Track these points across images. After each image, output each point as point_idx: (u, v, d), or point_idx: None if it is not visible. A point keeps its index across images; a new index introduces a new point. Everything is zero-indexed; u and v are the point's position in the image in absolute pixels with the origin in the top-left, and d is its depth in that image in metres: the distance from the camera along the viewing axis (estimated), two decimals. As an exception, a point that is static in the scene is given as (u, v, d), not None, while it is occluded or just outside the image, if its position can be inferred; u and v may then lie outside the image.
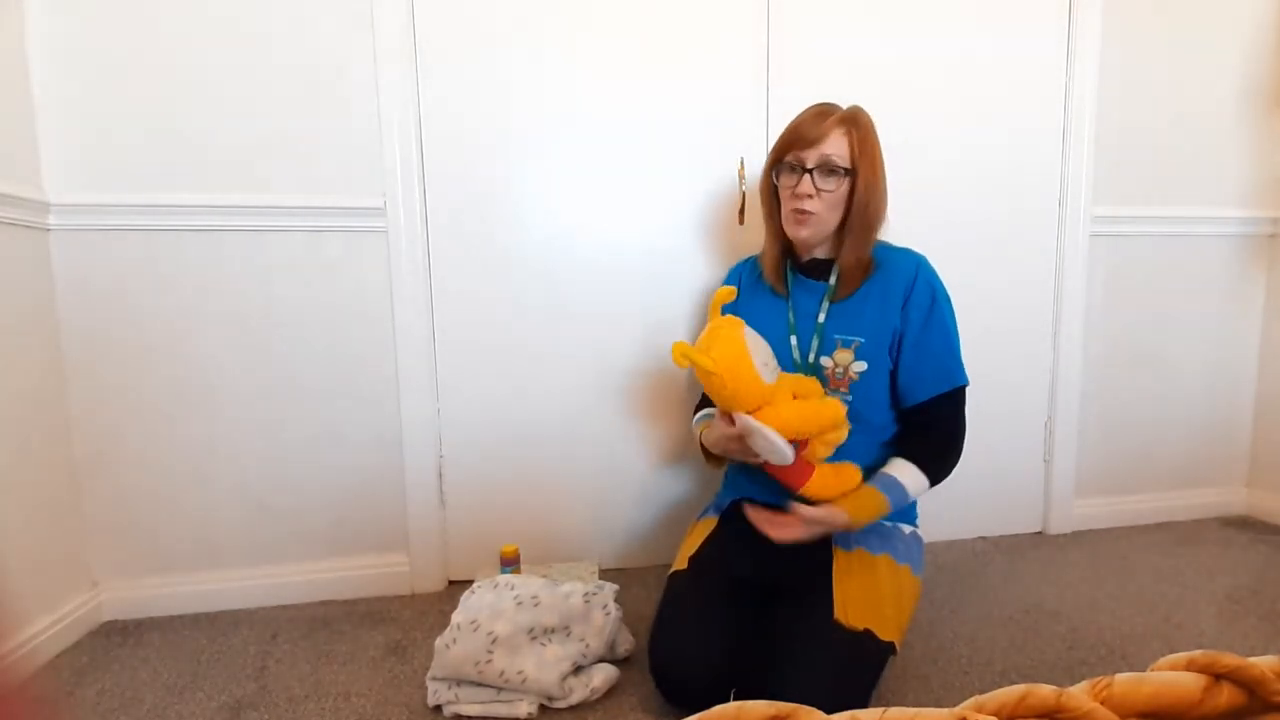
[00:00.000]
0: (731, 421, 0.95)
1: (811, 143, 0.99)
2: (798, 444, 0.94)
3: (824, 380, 1.03)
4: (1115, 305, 1.65)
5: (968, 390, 1.04)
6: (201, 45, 1.22)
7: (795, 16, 1.40)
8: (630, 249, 1.41)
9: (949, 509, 1.57)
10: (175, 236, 1.25)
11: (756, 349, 0.95)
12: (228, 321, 1.28)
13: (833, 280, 1.05)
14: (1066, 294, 1.60)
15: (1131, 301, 1.66)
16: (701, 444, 1.12)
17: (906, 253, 1.07)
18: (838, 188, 0.99)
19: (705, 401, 1.18)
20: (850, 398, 1.02)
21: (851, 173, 0.99)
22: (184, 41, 1.21)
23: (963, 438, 1.04)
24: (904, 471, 1.00)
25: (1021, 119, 1.53)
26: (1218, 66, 1.62)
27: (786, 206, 1.04)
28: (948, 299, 1.05)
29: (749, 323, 1.06)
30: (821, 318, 1.05)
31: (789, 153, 1.02)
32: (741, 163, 1.41)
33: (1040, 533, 1.67)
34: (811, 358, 1.04)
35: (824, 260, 1.07)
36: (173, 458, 1.29)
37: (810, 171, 0.99)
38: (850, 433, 1.01)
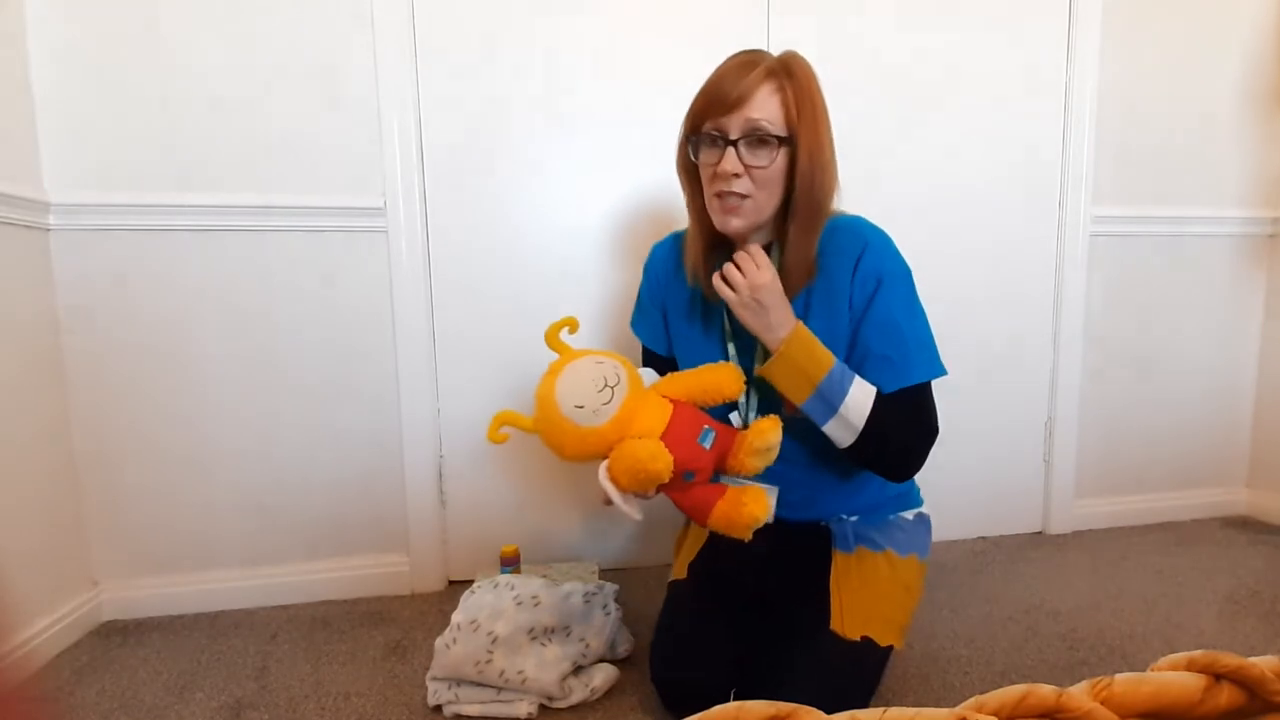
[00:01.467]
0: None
1: (733, 105, 0.77)
2: (691, 474, 0.79)
3: (778, 400, 0.86)
4: (1115, 305, 1.65)
5: (939, 382, 0.86)
6: (201, 45, 1.22)
7: (795, 16, 1.40)
8: (630, 248, 1.41)
9: (949, 509, 1.56)
10: (175, 236, 1.25)
11: (573, 393, 0.78)
12: (227, 321, 1.28)
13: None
14: (1066, 294, 1.60)
15: (1131, 301, 1.66)
16: None
17: (851, 231, 0.86)
18: (771, 161, 0.78)
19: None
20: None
21: (789, 140, 0.79)
22: (184, 41, 1.21)
23: (928, 433, 0.85)
24: (859, 385, 0.81)
25: (1021, 119, 1.53)
26: (1218, 66, 1.62)
27: (709, 189, 0.83)
28: (899, 277, 0.85)
29: (681, 336, 0.92)
30: None
31: (707, 120, 0.80)
32: (741, 163, 1.41)
33: (1040, 533, 1.67)
34: (757, 367, 0.87)
35: (762, 248, 0.86)
36: (173, 458, 1.29)
37: (735, 143, 0.78)
38: (815, 451, 0.89)
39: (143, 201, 1.22)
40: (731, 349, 0.91)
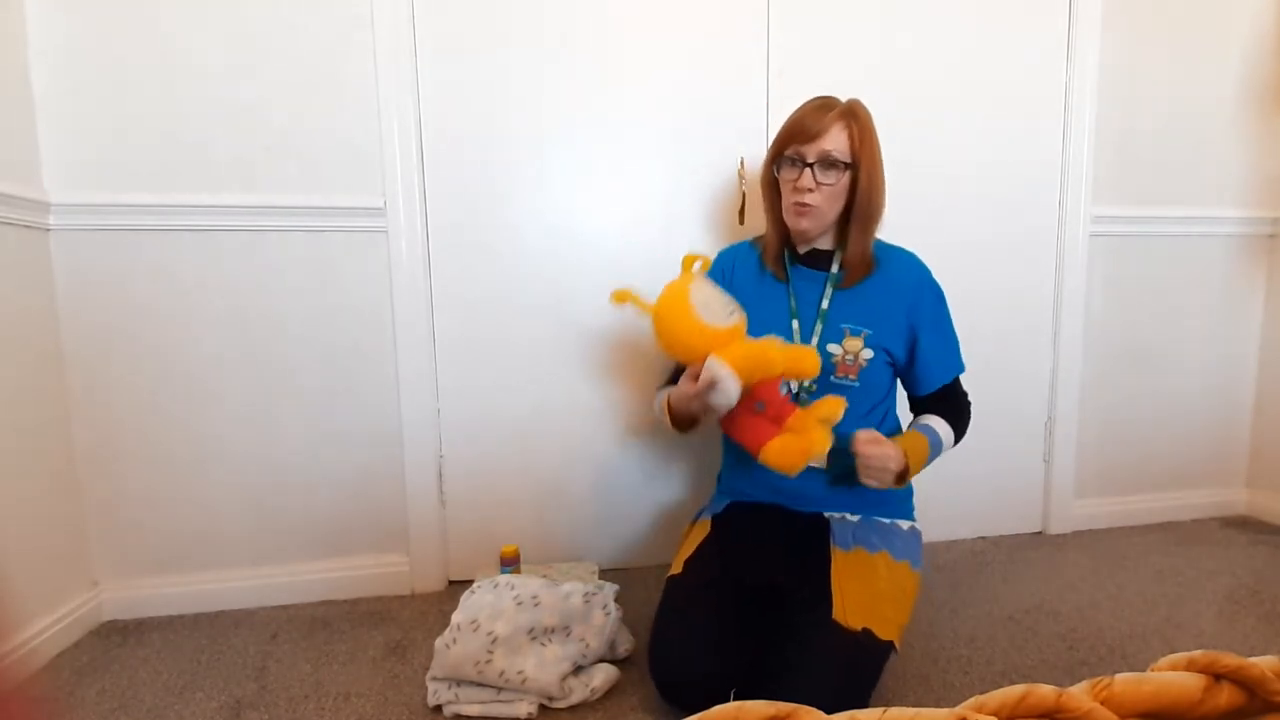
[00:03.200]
0: (697, 376, 0.91)
1: (812, 137, 0.99)
2: (763, 404, 0.92)
3: (831, 367, 1.04)
4: (1115, 305, 1.65)
5: (973, 403, 1.12)
6: (201, 45, 1.22)
7: (795, 16, 1.40)
8: (630, 248, 1.41)
9: (949, 509, 1.57)
10: (175, 236, 1.25)
11: (704, 295, 0.92)
12: (228, 321, 1.28)
13: (834, 269, 1.07)
14: (1066, 294, 1.60)
15: (1131, 301, 1.66)
16: (669, 406, 1.09)
17: (904, 252, 1.10)
18: (838, 181, 1.00)
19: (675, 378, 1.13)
20: (858, 384, 1.05)
21: (852, 166, 1.00)
22: (184, 41, 1.21)
23: (969, 415, 1.12)
24: (935, 422, 1.07)
25: (1021, 119, 1.53)
26: (1218, 66, 1.62)
27: (787, 199, 1.04)
28: (944, 295, 1.10)
29: (749, 311, 1.05)
30: (825, 304, 1.07)
31: (789, 146, 1.02)
32: (741, 163, 1.41)
33: (1040, 533, 1.67)
34: (814, 341, 1.06)
35: (823, 251, 1.09)
36: (173, 457, 1.29)
37: (811, 165, 1.00)
38: (853, 421, 1.01)
39: (143, 201, 1.22)
40: (795, 324, 1.08)
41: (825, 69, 1.42)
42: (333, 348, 1.33)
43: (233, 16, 1.22)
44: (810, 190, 1.00)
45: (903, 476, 0.98)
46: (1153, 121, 1.61)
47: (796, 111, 1.05)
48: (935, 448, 1.05)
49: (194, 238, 1.25)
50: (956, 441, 1.09)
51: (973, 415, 1.12)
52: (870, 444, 0.95)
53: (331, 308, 1.32)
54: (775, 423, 0.93)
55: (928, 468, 1.05)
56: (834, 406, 0.93)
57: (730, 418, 0.95)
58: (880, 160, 1.03)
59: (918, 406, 1.12)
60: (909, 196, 1.48)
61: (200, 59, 1.22)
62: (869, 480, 0.96)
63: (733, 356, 0.87)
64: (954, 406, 1.10)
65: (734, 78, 1.40)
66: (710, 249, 1.43)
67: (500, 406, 1.40)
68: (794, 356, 0.94)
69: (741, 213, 1.41)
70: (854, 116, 1.01)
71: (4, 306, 1.10)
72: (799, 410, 0.95)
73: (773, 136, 1.42)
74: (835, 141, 0.99)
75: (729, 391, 0.86)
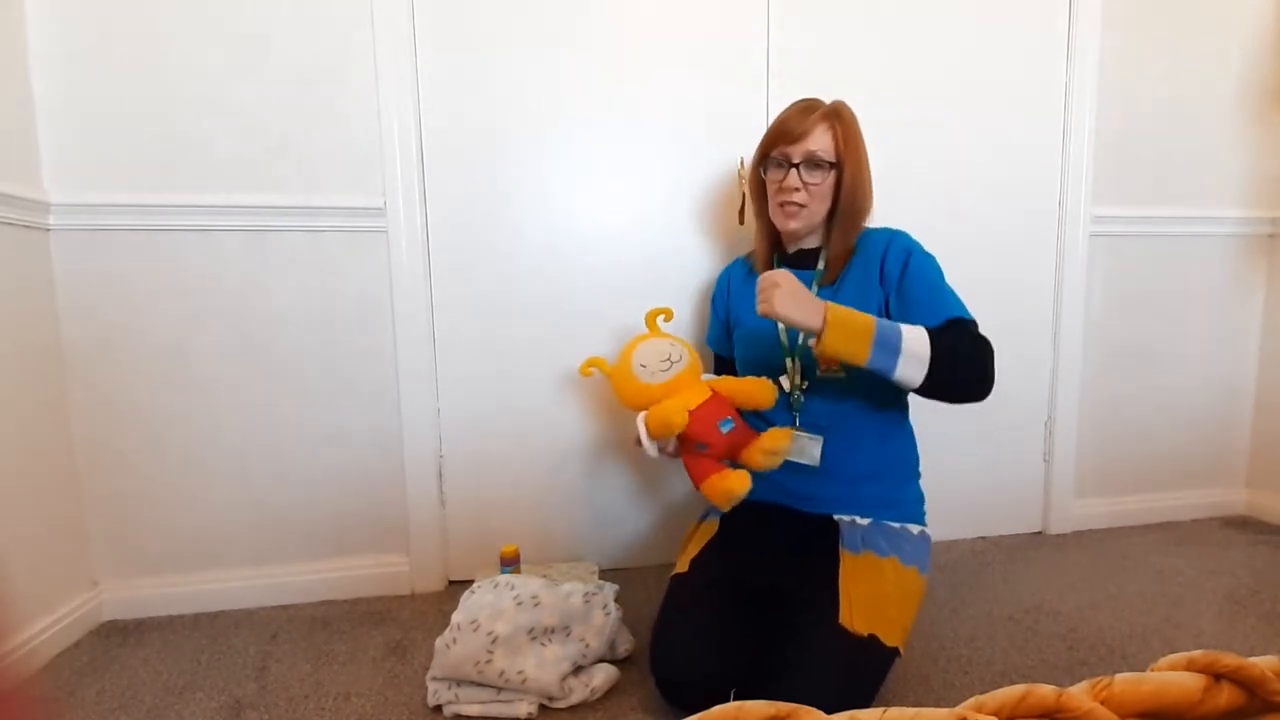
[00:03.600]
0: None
1: (796, 139, 1.01)
2: (705, 445, 0.99)
3: (814, 363, 1.05)
4: (1115, 305, 1.65)
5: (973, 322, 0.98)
6: (201, 45, 1.22)
7: (795, 16, 1.40)
8: (630, 249, 1.41)
9: (949, 509, 1.57)
10: (175, 236, 1.25)
11: (645, 354, 1.04)
12: (227, 321, 1.28)
13: (820, 266, 1.08)
14: (1066, 294, 1.60)
15: (1131, 301, 1.66)
16: None
17: (881, 230, 1.09)
18: (823, 180, 1.02)
19: None
20: (844, 375, 1.04)
21: (837, 166, 1.02)
22: (184, 41, 1.21)
23: (986, 351, 0.94)
24: (908, 327, 0.92)
25: (1021, 119, 1.53)
26: (1218, 65, 1.62)
27: (774, 200, 1.06)
28: (927, 254, 1.04)
29: (743, 317, 1.15)
30: None
31: (775, 148, 1.04)
32: (741, 162, 1.41)
33: (1040, 533, 1.67)
34: (801, 339, 1.07)
35: (811, 250, 1.10)
36: (173, 458, 1.29)
37: (796, 166, 1.01)
38: (849, 414, 1.05)
39: (143, 201, 1.22)
40: (780, 326, 1.08)
41: (825, 68, 1.42)
42: (333, 348, 1.33)
43: (232, 16, 1.23)
44: (797, 190, 1.02)
45: (821, 320, 0.89)
46: (1153, 121, 1.61)
47: (781, 114, 1.06)
48: (885, 331, 0.89)
49: (194, 238, 1.25)
50: (940, 366, 0.90)
51: (993, 353, 0.95)
52: (763, 278, 0.92)
53: (331, 308, 1.32)
54: (719, 458, 1.01)
55: (892, 365, 0.89)
56: (775, 439, 1.00)
57: (684, 456, 1.03)
58: (865, 160, 1.04)
59: None
60: (909, 196, 1.48)
61: (200, 59, 1.22)
62: (768, 306, 0.90)
63: (650, 414, 0.99)
64: (947, 332, 0.94)
65: (734, 77, 1.40)
66: (710, 247, 1.44)
67: (500, 406, 1.40)
68: (741, 391, 1.03)
69: (741, 212, 1.41)
70: (838, 117, 1.02)
71: (4, 306, 1.10)
72: (753, 441, 1.01)
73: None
74: (820, 142, 1.01)
75: (647, 447, 0.99)
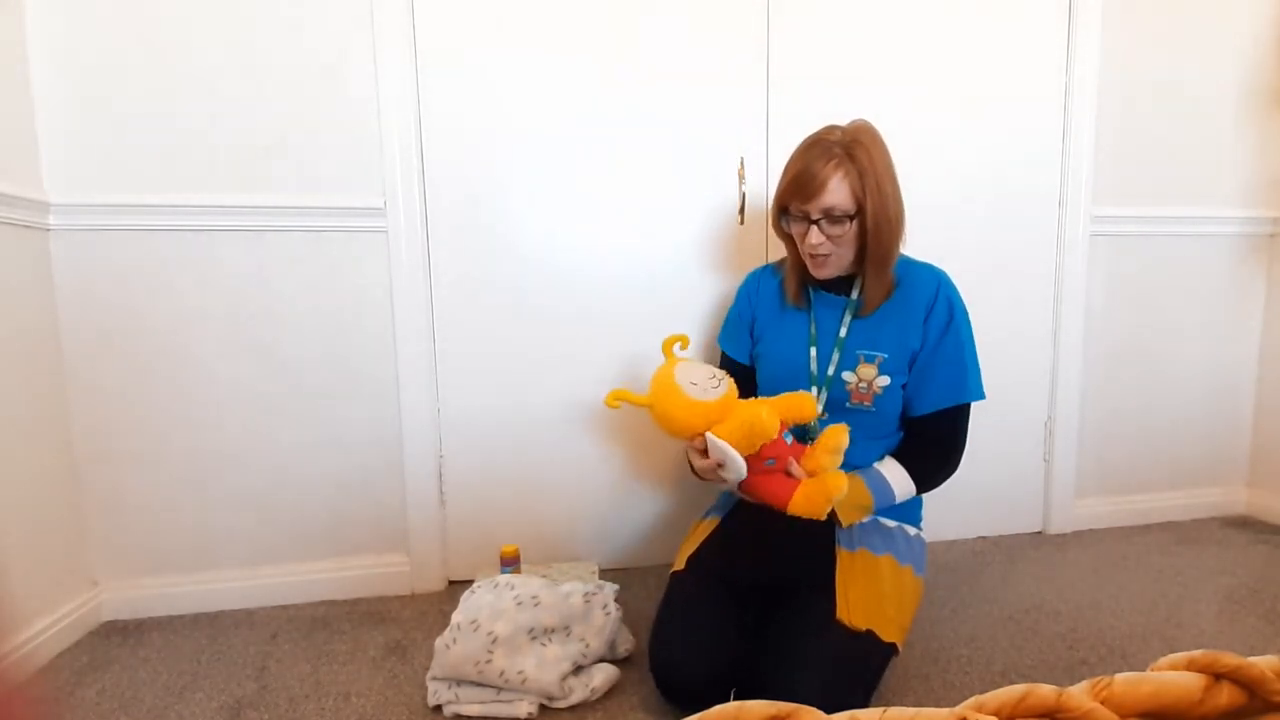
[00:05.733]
0: (703, 452, 0.94)
1: (812, 195, 0.96)
2: (773, 460, 0.94)
3: (845, 395, 1.03)
4: (1115, 305, 1.65)
5: (975, 405, 1.06)
6: (201, 45, 1.22)
7: (795, 15, 1.40)
8: (630, 248, 1.41)
9: (949, 509, 1.57)
10: (175, 236, 1.25)
11: (688, 374, 0.97)
12: (228, 321, 1.28)
13: (855, 295, 1.05)
14: (1066, 294, 1.60)
15: (1131, 301, 1.66)
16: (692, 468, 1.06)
17: (928, 268, 1.07)
18: (847, 230, 0.97)
19: None
20: (873, 410, 1.03)
21: (859, 213, 0.97)
22: (184, 41, 1.21)
23: (960, 453, 1.05)
24: (893, 472, 1.02)
25: (1021, 119, 1.53)
26: (1218, 66, 1.62)
27: (802, 250, 1.03)
28: (966, 317, 1.05)
29: (769, 336, 1.13)
30: (843, 333, 1.05)
31: (792, 203, 1.00)
32: (741, 162, 1.41)
33: (1040, 533, 1.67)
34: (831, 370, 1.05)
35: (844, 276, 1.07)
36: (173, 458, 1.29)
37: (816, 222, 0.98)
38: (870, 444, 1.04)
39: (143, 201, 1.22)
40: (813, 351, 1.08)
41: (824, 69, 1.42)
42: (333, 347, 1.33)
43: (232, 16, 1.22)
44: (821, 244, 0.99)
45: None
46: (1153, 121, 1.61)
47: (795, 159, 1.00)
48: (880, 503, 1.00)
49: (194, 238, 1.25)
50: (921, 491, 1.03)
51: (967, 445, 1.05)
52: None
53: (331, 308, 1.32)
54: (787, 472, 0.95)
55: (890, 505, 1.02)
56: (836, 435, 0.94)
57: (747, 482, 0.96)
58: (890, 190, 0.98)
59: (904, 430, 1.07)
60: (908, 196, 1.46)
61: (200, 59, 1.22)
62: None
63: (729, 431, 0.91)
64: (932, 450, 1.04)
65: (734, 77, 1.40)
66: (710, 247, 1.43)
67: (500, 406, 1.40)
68: (788, 406, 0.97)
69: (741, 212, 1.41)
70: (852, 159, 0.95)
71: (4, 306, 1.10)
72: (807, 449, 0.97)
73: (773, 135, 1.43)
74: (836, 195, 0.95)
75: (739, 467, 0.90)
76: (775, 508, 0.94)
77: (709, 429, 0.92)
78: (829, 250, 0.99)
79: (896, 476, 1.02)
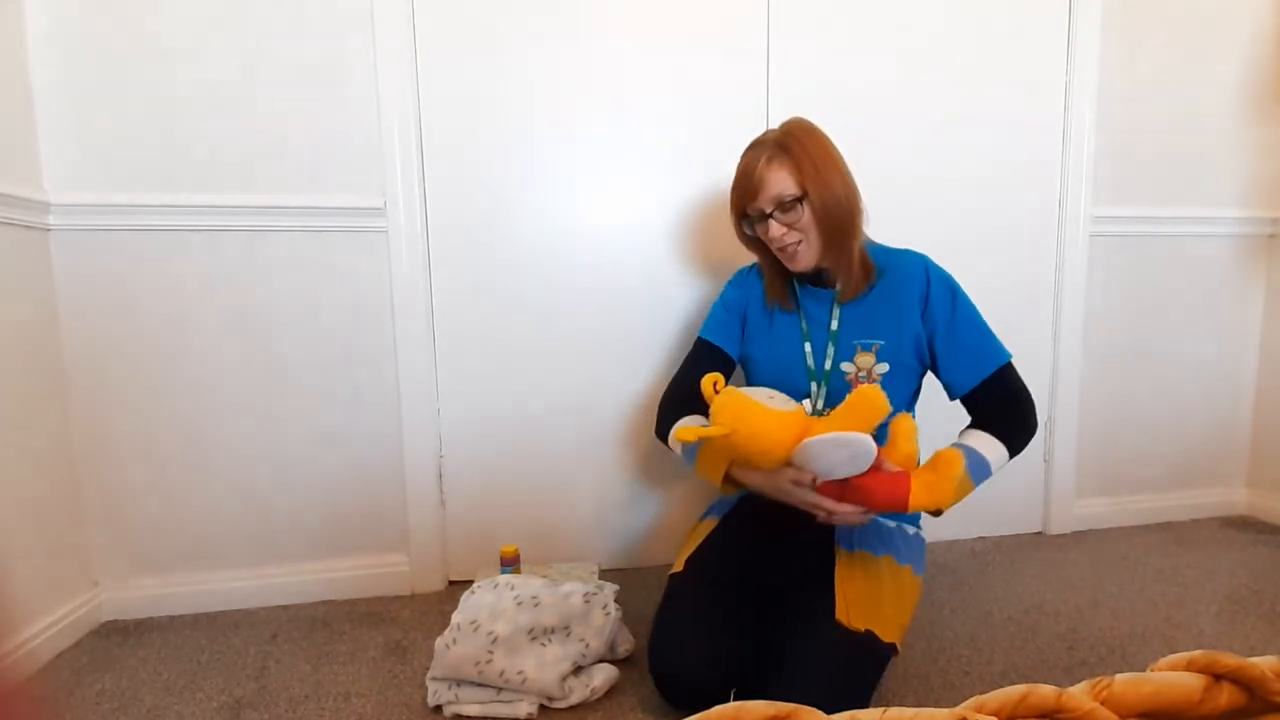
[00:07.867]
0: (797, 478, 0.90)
1: (757, 191, 1.00)
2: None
3: (846, 386, 1.03)
4: (1115, 305, 1.65)
5: (1013, 363, 1.04)
6: (201, 45, 1.22)
7: (795, 15, 1.40)
8: (630, 248, 1.41)
9: (949, 509, 1.56)
10: (175, 236, 1.25)
11: (755, 393, 0.91)
12: (228, 321, 1.28)
13: (839, 286, 1.05)
14: (1066, 294, 1.60)
15: (1131, 301, 1.66)
16: (726, 474, 1.00)
17: (909, 254, 1.07)
18: (802, 213, 0.99)
19: (676, 410, 1.11)
20: None
21: (804, 196, 0.98)
22: (184, 41, 1.21)
23: (1031, 405, 1.02)
24: (979, 441, 0.97)
25: (1021, 119, 1.53)
26: (1217, 66, 1.62)
27: (773, 248, 1.05)
28: (961, 289, 1.06)
29: (760, 339, 1.12)
30: (834, 325, 1.05)
31: (745, 205, 1.04)
32: (741, 163, 1.41)
33: (1040, 533, 1.67)
34: (828, 364, 1.05)
35: (819, 269, 1.07)
36: (173, 458, 1.29)
37: (770, 215, 1.00)
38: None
39: (143, 201, 1.22)
40: (808, 347, 1.08)
41: (824, 70, 1.42)
42: (333, 348, 1.33)
43: (233, 17, 1.22)
44: (784, 234, 1.01)
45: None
46: (1153, 122, 1.61)
47: (738, 166, 1.04)
48: (978, 478, 0.94)
49: (194, 238, 1.25)
50: (1014, 452, 0.98)
51: (1034, 410, 1.02)
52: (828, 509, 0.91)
53: (331, 308, 1.32)
54: (895, 472, 0.89)
55: (988, 478, 0.96)
56: (906, 420, 0.92)
57: (839, 488, 0.89)
58: (834, 172, 0.99)
59: (967, 406, 1.04)
60: (909, 197, 1.49)
61: (200, 59, 1.22)
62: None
63: (836, 425, 0.84)
64: (1003, 410, 1.01)
65: (734, 77, 1.40)
66: (710, 246, 1.43)
67: (500, 406, 1.40)
68: (866, 400, 0.88)
69: (741, 213, 1.41)
70: (785, 150, 0.99)
71: (3, 306, 1.10)
72: (886, 445, 0.93)
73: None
74: (779, 184, 0.98)
75: (868, 449, 0.83)
76: (888, 509, 0.89)
77: (805, 438, 0.85)
78: (795, 238, 1.01)
79: (985, 444, 0.97)
